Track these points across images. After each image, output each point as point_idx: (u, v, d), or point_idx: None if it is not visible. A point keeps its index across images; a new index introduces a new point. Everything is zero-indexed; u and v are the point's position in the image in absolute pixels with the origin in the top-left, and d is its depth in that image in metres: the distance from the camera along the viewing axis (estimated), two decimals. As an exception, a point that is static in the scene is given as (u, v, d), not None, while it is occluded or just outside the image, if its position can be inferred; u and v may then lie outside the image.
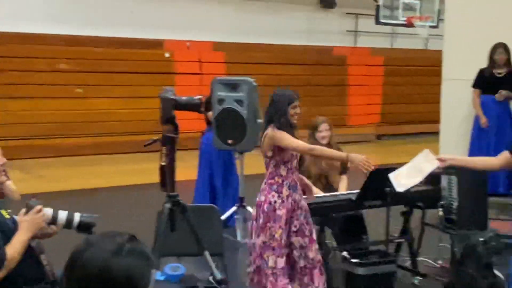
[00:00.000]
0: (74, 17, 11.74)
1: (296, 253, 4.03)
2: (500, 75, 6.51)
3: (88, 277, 1.46)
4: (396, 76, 15.62)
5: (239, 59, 13.40)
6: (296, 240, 4.02)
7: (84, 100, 11.71)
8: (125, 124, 11.93)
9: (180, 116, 10.52)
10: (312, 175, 5.22)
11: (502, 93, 6.49)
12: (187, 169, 8.09)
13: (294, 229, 4.01)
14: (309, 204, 4.60)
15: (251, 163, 6.72)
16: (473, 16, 7.04)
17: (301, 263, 4.02)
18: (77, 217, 2.60)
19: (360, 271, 4.21)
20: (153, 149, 4.15)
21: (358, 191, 4.63)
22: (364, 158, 3.92)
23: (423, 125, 14.44)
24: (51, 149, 10.96)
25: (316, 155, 4.20)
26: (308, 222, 4.10)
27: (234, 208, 6.08)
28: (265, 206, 3.93)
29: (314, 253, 4.06)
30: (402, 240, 4.99)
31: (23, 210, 2.67)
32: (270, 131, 3.94)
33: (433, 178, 5.32)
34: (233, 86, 5.78)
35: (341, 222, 5.00)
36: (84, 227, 2.59)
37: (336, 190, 5.23)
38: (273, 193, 3.96)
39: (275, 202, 3.93)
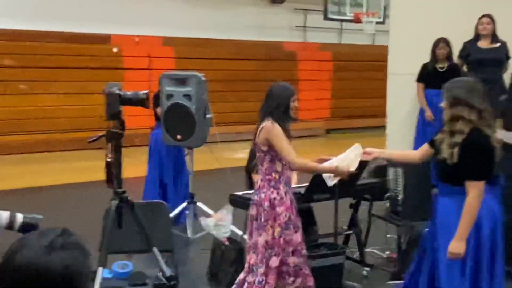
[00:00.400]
0: (18, 11, 11.40)
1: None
2: (442, 69, 6.63)
3: (24, 276, 1.41)
4: (344, 71, 15.82)
5: (189, 55, 13.30)
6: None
7: (30, 96, 11.41)
8: (73, 121, 11.68)
9: (130, 112, 10.35)
10: (263, 170, 5.23)
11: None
12: (137, 165, 8.00)
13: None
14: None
15: (200, 159, 6.70)
16: (417, 11, 7.18)
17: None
18: (19, 218, 2.52)
19: (309, 263, 4.23)
20: (102, 146, 4.09)
21: (307, 184, 4.66)
22: (349, 170, 3.89)
23: (371, 119, 14.66)
24: (-4, 147, 10.65)
25: (306, 171, 4.00)
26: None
27: (184, 204, 6.03)
28: (265, 204, 3.81)
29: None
30: (351, 232, 5.04)
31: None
32: (269, 123, 3.78)
33: (379, 171, 5.43)
34: (181, 81, 5.72)
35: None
36: (27, 228, 2.50)
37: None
38: (272, 189, 3.83)
39: (274, 199, 3.81)
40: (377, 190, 5.12)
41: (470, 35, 6.61)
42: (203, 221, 4.92)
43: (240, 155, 8.02)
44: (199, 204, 6.02)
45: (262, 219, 3.81)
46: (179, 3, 13.70)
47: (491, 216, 3.32)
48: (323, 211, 5.00)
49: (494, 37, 6.50)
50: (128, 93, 3.15)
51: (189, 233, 5.85)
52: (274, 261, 3.80)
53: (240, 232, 5.16)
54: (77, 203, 7.40)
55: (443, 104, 3.39)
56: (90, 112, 11.19)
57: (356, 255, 5.07)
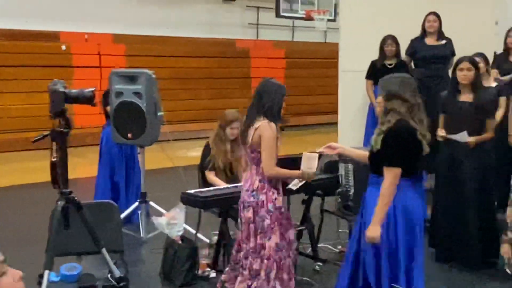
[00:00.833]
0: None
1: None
2: (390, 66, 6.68)
3: None
4: (297, 68, 15.91)
5: (140, 52, 13.14)
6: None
7: (-25, 95, 11.07)
8: (20, 121, 11.36)
9: (81, 111, 10.19)
10: (217, 167, 5.21)
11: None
12: (88, 166, 7.85)
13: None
14: (209, 196, 4.60)
15: (153, 158, 6.62)
16: (366, 9, 7.27)
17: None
18: None
19: (262, 260, 4.22)
20: (48, 146, 3.97)
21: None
22: (314, 174, 3.84)
23: (324, 116, 14.83)
24: None
25: (277, 178, 3.82)
26: None
27: (136, 204, 5.94)
28: (270, 205, 3.71)
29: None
30: (303, 228, 5.06)
31: None
32: (266, 123, 3.66)
33: (331, 167, 5.46)
34: (131, 79, 5.62)
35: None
36: None
37: (240, 181, 5.24)
38: (273, 190, 3.75)
39: (275, 199, 3.74)
40: (329, 186, 5.15)
41: (417, 33, 6.70)
42: (156, 220, 4.86)
43: (193, 153, 7.96)
44: (151, 203, 5.95)
45: (268, 222, 3.69)
46: (130, 0, 13.50)
47: (408, 215, 3.34)
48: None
49: (440, 35, 6.61)
50: (74, 90, 3.08)
51: (142, 232, 5.76)
52: (287, 262, 3.78)
53: (193, 231, 5.13)
54: (23, 205, 7.21)
55: (378, 99, 3.48)
56: (38, 111, 10.91)
57: (309, 250, 5.09)
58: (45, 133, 3.18)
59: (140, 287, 4.49)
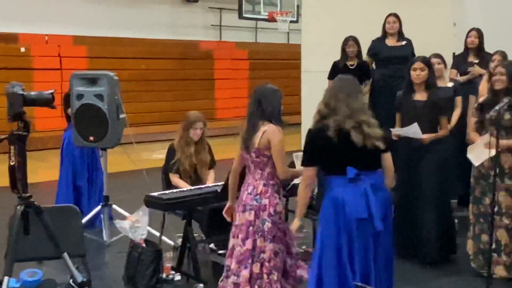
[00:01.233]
0: None
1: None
2: (352, 67, 6.73)
3: None
4: (260, 69, 15.93)
5: (102, 54, 12.98)
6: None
7: None
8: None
9: (41, 114, 9.94)
10: (183, 169, 5.18)
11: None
12: (50, 169, 7.70)
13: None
14: (173, 198, 4.58)
15: (115, 161, 6.54)
16: (327, 10, 7.36)
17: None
18: None
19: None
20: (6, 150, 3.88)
21: (222, 183, 4.64)
22: None
23: (286, 117, 14.69)
24: None
25: (289, 178, 3.92)
26: None
27: (99, 208, 5.86)
28: (271, 210, 3.69)
29: None
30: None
31: None
32: (274, 127, 3.66)
33: (294, 167, 5.49)
34: (92, 81, 5.54)
35: (207, 215, 5.00)
36: None
37: (204, 183, 5.22)
38: (275, 194, 3.75)
39: (277, 204, 3.73)
40: (292, 187, 5.16)
41: (378, 33, 6.79)
42: (119, 223, 4.81)
43: (156, 155, 7.90)
44: (114, 206, 5.88)
45: (269, 225, 3.68)
46: (91, 1, 13.33)
47: (337, 211, 3.36)
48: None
49: (400, 35, 6.72)
50: (32, 93, 3.01)
51: (105, 236, 5.69)
52: (288, 264, 3.83)
53: (157, 233, 5.08)
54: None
55: None
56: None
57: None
58: (3, 136, 3.11)
59: (103, 291, 4.44)
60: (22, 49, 12.06)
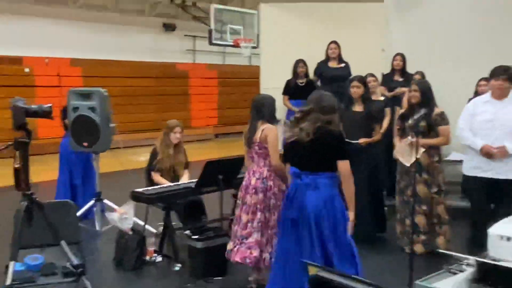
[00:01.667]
0: None
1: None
2: (302, 84, 6.80)
3: None
4: (227, 86, 15.98)
5: (95, 73, 12.80)
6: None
7: None
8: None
9: (43, 124, 9.75)
10: (164, 168, 5.14)
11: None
12: (51, 171, 7.51)
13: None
14: (155, 193, 4.54)
15: (106, 163, 6.43)
16: (282, 38, 7.39)
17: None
18: None
19: (199, 245, 4.21)
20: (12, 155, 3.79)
21: (196, 180, 4.63)
22: None
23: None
24: None
25: (279, 170, 3.81)
26: None
27: (92, 202, 5.76)
28: (275, 189, 3.81)
29: None
30: (234, 217, 5.05)
31: None
32: (272, 126, 3.77)
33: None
34: (86, 96, 5.46)
35: (184, 207, 4.98)
36: None
37: (180, 181, 5.19)
38: (276, 177, 3.83)
39: (279, 184, 3.84)
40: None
41: (322, 57, 6.86)
42: (109, 215, 4.75)
43: (140, 158, 7.82)
44: (105, 201, 5.79)
45: (274, 201, 3.81)
46: (85, 29, 13.14)
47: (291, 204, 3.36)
48: (211, 201, 4.99)
49: (340, 59, 6.78)
50: (33, 106, 2.96)
51: (97, 226, 5.60)
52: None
53: (142, 223, 5.03)
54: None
55: None
56: (3, 124, 10.42)
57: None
58: (9, 143, 3.04)
59: (96, 272, 4.36)
60: (26, 70, 11.82)
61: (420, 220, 4.69)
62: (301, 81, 6.87)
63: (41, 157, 9.70)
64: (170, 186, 4.81)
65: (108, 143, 5.51)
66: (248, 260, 3.81)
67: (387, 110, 5.94)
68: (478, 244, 4.15)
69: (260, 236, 3.80)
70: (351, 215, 3.27)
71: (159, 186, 4.84)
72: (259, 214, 3.80)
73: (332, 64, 6.78)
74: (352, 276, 2.05)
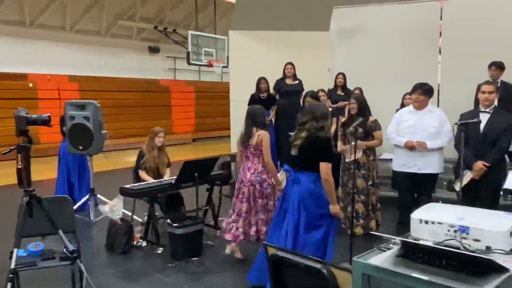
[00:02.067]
0: None
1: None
2: (263, 97, 6.78)
3: None
4: (203, 99, 15.88)
5: (90, 88, 12.50)
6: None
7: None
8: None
9: (45, 131, 9.41)
10: (149, 167, 5.05)
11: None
12: (51, 170, 7.28)
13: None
14: (140, 189, 4.45)
15: (100, 163, 6.27)
16: (247, 59, 7.41)
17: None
18: None
19: (178, 231, 4.15)
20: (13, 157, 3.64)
21: (175, 177, 4.57)
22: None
23: (221, 131, 14.91)
24: None
25: (269, 169, 3.92)
26: None
27: (87, 197, 5.61)
28: (269, 181, 3.96)
29: None
30: (208, 207, 5.03)
31: None
32: (266, 132, 3.91)
33: (225, 165, 5.49)
34: (81, 107, 5.31)
35: (165, 199, 4.91)
36: None
37: (163, 178, 5.11)
38: (266, 171, 3.95)
39: (271, 177, 3.96)
40: (224, 178, 5.17)
41: (280, 75, 6.90)
42: (101, 207, 4.62)
43: (129, 159, 7.66)
44: (98, 195, 5.64)
45: (269, 190, 3.95)
46: (81, 50, 12.84)
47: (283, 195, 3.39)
48: (188, 194, 4.93)
49: (294, 77, 6.82)
50: (34, 115, 2.85)
51: (92, 217, 5.45)
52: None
53: (130, 214, 4.93)
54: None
55: None
56: (8, 132, 10.06)
57: (212, 222, 5.06)
58: (12, 147, 2.92)
59: (90, 256, 4.25)
60: (30, 85, 11.45)
61: (359, 207, 4.76)
62: (263, 95, 6.85)
63: (44, 159, 9.41)
64: (153, 182, 4.73)
65: (101, 147, 5.37)
66: (238, 239, 4.00)
67: (333, 119, 6.01)
68: (404, 226, 4.24)
69: (263, 215, 3.96)
70: (331, 208, 3.20)
71: (144, 183, 4.75)
72: (259, 201, 3.95)
73: (288, 81, 6.80)
74: (303, 254, 2.06)
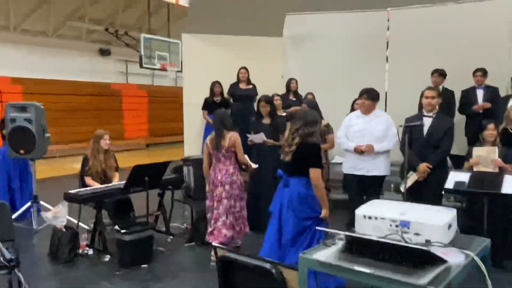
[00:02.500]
0: None
1: None
2: (218, 101, 6.78)
3: None
4: (156, 103, 15.58)
5: (35, 91, 11.87)
6: None
7: None
8: None
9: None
10: (96, 172, 4.84)
11: None
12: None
13: None
14: (86, 194, 4.27)
15: (44, 170, 5.96)
16: (200, 64, 7.36)
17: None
18: None
19: (126, 238, 4.01)
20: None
21: (124, 182, 4.42)
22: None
23: (175, 136, 14.66)
24: None
25: (244, 164, 4.21)
26: None
27: (29, 204, 5.30)
28: (238, 182, 4.13)
29: None
30: (159, 213, 4.90)
31: None
32: (236, 133, 4.09)
33: (177, 169, 5.37)
34: (22, 109, 5.04)
35: (114, 205, 4.73)
36: None
37: (111, 183, 4.92)
38: (238, 173, 4.15)
39: (241, 179, 4.17)
40: (176, 182, 5.07)
41: (234, 79, 6.89)
42: (44, 214, 4.38)
43: (76, 165, 7.34)
44: (42, 202, 5.35)
45: (237, 192, 4.12)
46: (26, 51, 12.23)
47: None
48: (138, 200, 4.79)
49: (248, 81, 6.84)
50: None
51: (34, 225, 5.15)
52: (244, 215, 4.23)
53: (75, 221, 4.70)
54: None
55: None
56: None
57: (163, 228, 4.94)
58: None
59: (32, 266, 4.01)
60: (-32, 86, 10.71)
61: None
62: (217, 99, 6.84)
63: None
64: (100, 187, 4.55)
65: (44, 151, 5.11)
66: (226, 241, 4.06)
67: (288, 124, 6.05)
68: (353, 226, 4.34)
69: (226, 218, 4.09)
70: (323, 212, 3.24)
71: (91, 188, 4.56)
72: (225, 202, 4.08)
73: (242, 85, 6.82)
74: (253, 255, 2.04)
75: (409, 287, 1.49)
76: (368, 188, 4.54)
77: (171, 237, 4.83)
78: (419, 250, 1.57)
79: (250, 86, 6.82)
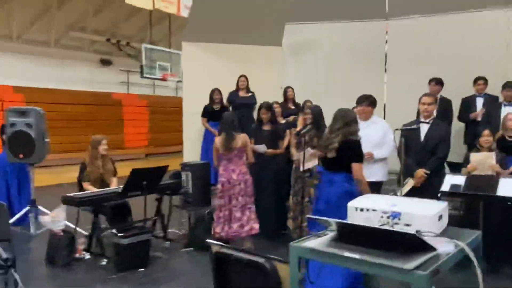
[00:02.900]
0: None
1: None
2: (217, 109, 6.79)
3: None
4: (157, 114, 15.64)
5: (37, 100, 11.92)
6: None
7: None
8: None
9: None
10: (94, 178, 4.85)
11: None
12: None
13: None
14: (84, 197, 4.28)
15: (44, 178, 5.97)
16: (200, 73, 7.42)
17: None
18: None
19: (124, 242, 4.01)
20: None
21: (122, 186, 4.43)
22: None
23: (175, 147, 14.67)
24: None
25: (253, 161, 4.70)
26: None
27: (27, 208, 5.31)
28: (250, 180, 4.57)
29: None
30: (156, 218, 4.90)
31: None
32: (245, 135, 4.58)
33: (176, 174, 5.38)
34: (23, 113, 5.08)
35: (111, 209, 4.73)
36: None
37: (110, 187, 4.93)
38: (248, 172, 4.58)
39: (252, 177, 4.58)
40: (174, 188, 5.07)
41: (233, 87, 6.95)
42: (42, 219, 4.39)
43: (76, 174, 7.34)
44: (40, 207, 5.36)
45: (250, 189, 4.58)
46: (28, 61, 12.35)
47: None
48: (136, 204, 4.79)
49: (247, 89, 6.90)
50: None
51: (32, 229, 5.15)
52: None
53: (72, 225, 4.70)
54: None
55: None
56: None
57: (161, 234, 4.93)
58: None
59: (29, 269, 4.01)
60: (-30, 95, 10.81)
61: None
62: (217, 107, 6.87)
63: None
64: (98, 191, 4.56)
65: (43, 155, 5.14)
66: (241, 235, 4.44)
67: (287, 132, 6.08)
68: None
69: (241, 214, 4.49)
70: None
71: (89, 191, 4.57)
72: (240, 199, 4.48)
73: (242, 93, 6.87)
74: (246, 250, 2.05)
75: (397, 271, 1.52)
76: (366, 193, 4.53)
77: (168, 242, 4.81)
78: (406, 235, 1.59)
79: (249, 94, 6.87)
